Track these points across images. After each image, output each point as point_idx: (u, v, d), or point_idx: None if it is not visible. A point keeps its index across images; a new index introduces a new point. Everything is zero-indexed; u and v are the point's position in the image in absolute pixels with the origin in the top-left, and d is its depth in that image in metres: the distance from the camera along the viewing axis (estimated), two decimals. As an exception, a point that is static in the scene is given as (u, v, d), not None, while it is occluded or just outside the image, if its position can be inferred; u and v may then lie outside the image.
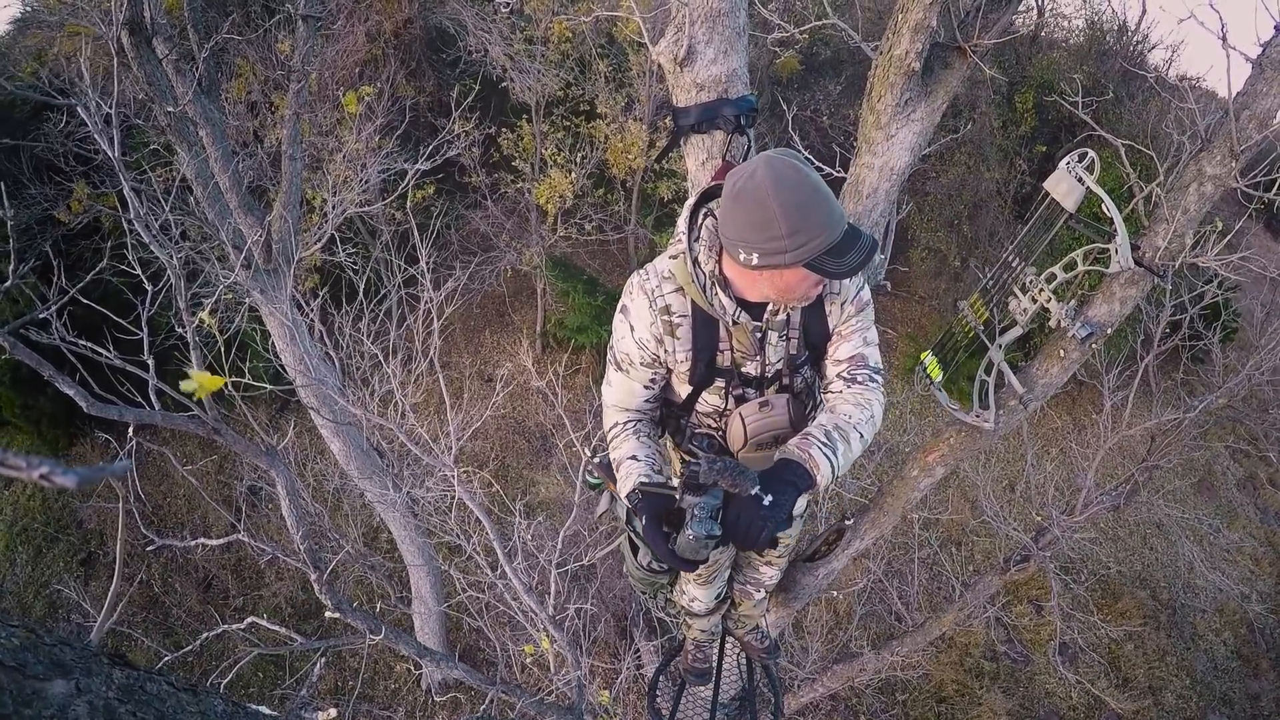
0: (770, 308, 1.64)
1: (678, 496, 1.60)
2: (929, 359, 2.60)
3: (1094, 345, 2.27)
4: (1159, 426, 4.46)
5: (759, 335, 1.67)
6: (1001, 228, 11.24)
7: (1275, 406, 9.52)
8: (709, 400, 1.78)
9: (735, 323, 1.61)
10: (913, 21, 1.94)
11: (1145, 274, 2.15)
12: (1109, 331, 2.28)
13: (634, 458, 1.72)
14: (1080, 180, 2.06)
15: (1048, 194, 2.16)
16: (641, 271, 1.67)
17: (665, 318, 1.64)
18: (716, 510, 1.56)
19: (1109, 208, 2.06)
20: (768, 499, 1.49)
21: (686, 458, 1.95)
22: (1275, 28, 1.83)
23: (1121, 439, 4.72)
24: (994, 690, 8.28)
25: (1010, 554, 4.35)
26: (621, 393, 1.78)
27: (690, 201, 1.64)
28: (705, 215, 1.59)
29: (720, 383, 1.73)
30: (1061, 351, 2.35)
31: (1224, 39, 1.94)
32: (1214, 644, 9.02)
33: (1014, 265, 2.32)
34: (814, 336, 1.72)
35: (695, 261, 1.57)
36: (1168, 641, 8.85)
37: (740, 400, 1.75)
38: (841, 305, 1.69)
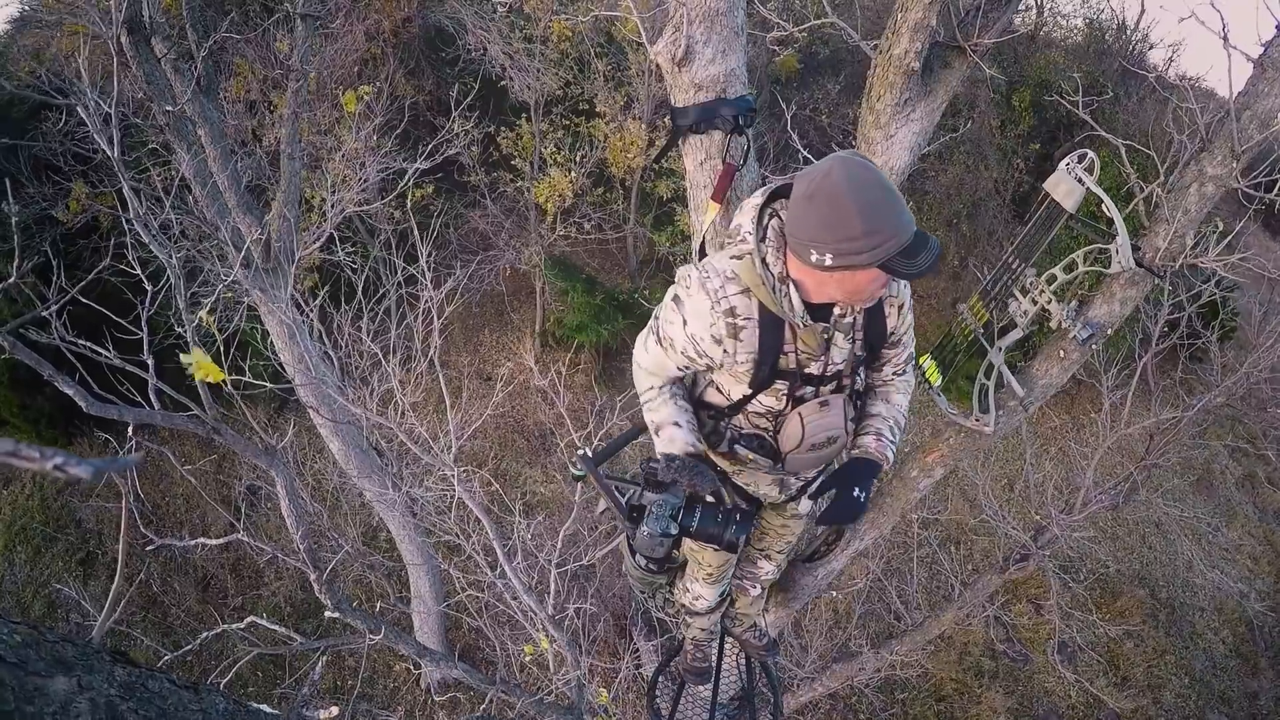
0: (839, 309, 1.66)
1: (638, 492, 1.63)
2: (928, 363, 2.60)
3: (1094, 346, 2.27)
4: (1157, 425, 4.47)
5: (826, 337, 1.69)
6: (1000, 227, 11.25)
7: (1274, 405, 9.52)
8: (763, 401, 1.77)
9: (804, 325, 1.61)
10: (912, 21, 1.94)
11: (1146, 275, 2.15)
12: (1109, 332, 2.28)
13: (676, 424, 1.77)
14: (1080, 181, 2.06)
15: (1047, 194, 2.16)
16: (700, 268, 1.65)
17: (730, 320, 1.62)
18: (677, 510, 1.59)
19: (1109, 208, 2.06)
20: (861, 494, 1.74)
21: (722, 462, 1.96)
22: (1277, 27, 1.83)
23: (1120, 438, 4.72)
24: (993, 689, 8.29)
25: (1009, 553, 4.35)
26: (656, 363, 1.80)
27: (755, 201, 1.62)
28: (770, 216, 1.58)
29: (781, 384, 1.73)
30: (1061, 352, 2.35)
31: (1225, 38, 1.94)
32: (1213, 642, 9.03)
33: (1014, 267, 2.32)
34: (872, 337, 1.75)
35: (764, 262, 1.56)
36: (1166, 640, 8.86)
37: (798, 401, 1.76)
38: (899, 309, 1.75)
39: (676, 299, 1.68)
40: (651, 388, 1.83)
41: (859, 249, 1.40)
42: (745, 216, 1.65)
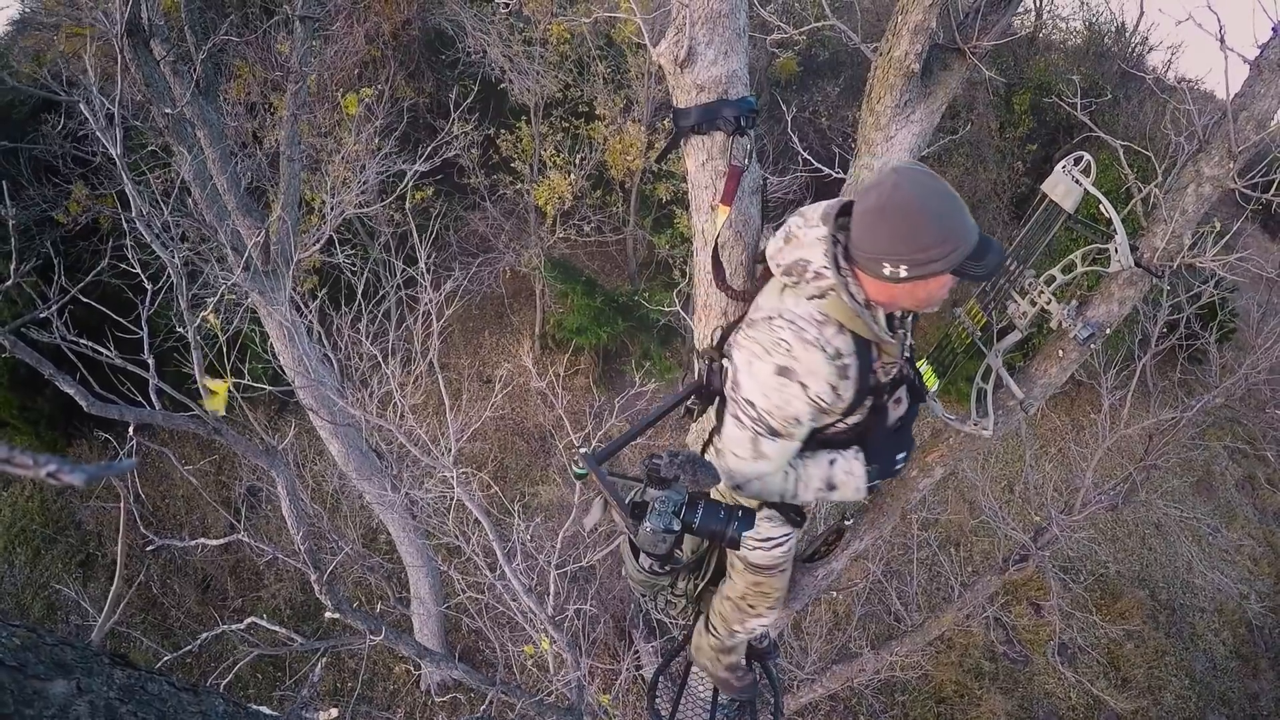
0: (900, 316, 1.69)
1: (640, 490, 1.62)
2: (924, 367, 2.60)
3: (1093, 346, 2.27)
4: (1157, 426, 4.47)
5: (905, 343, 1.73)
6: (999, 229, 11.26)
7: (1273, 406, 9.54)
8: (848, 420, 1.76)
9: (888, 339, 1.62)
10: (912, 23, 1.94)
11: (1144, 274, 2.15)
12: (1108, 332, 2.28)
13: (833, 460, 1.74)
14: (1077, 182, 2.06)
15: (1045, 196, 2.16)
16: (785, 326, 1.58)
17: (839, 363, 1.58)
18: (680, 506, 1.58)
19: (1107, 208, 2.06)
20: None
21: None
22: (1273, 29, 1.83)
23: (1119, 439, 4.73)
24: (993, 690, 8.29)
25: (1009, 554, 4.35)
26: (781, 457, 1.69)
27: (819, 233, 1.57)
28: (836, 243, 1.55)
29: (868, 401, 1.73)
30: (1060, 352, 2.35)
31: (1222, 40, 1.95)
32: (1213, 644, 9.03)
33: (1012, 269, 2.32)
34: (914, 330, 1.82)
35: (850, 293, 1.53)
36: (1167, 641, 8.86)
37: (880, 410, 1.78)
38: None
39: (784, 370, 1.57)
40: (787, 474, 1.73)
41: (933, 258, 1.41)
42: (808, 251, 1.57)
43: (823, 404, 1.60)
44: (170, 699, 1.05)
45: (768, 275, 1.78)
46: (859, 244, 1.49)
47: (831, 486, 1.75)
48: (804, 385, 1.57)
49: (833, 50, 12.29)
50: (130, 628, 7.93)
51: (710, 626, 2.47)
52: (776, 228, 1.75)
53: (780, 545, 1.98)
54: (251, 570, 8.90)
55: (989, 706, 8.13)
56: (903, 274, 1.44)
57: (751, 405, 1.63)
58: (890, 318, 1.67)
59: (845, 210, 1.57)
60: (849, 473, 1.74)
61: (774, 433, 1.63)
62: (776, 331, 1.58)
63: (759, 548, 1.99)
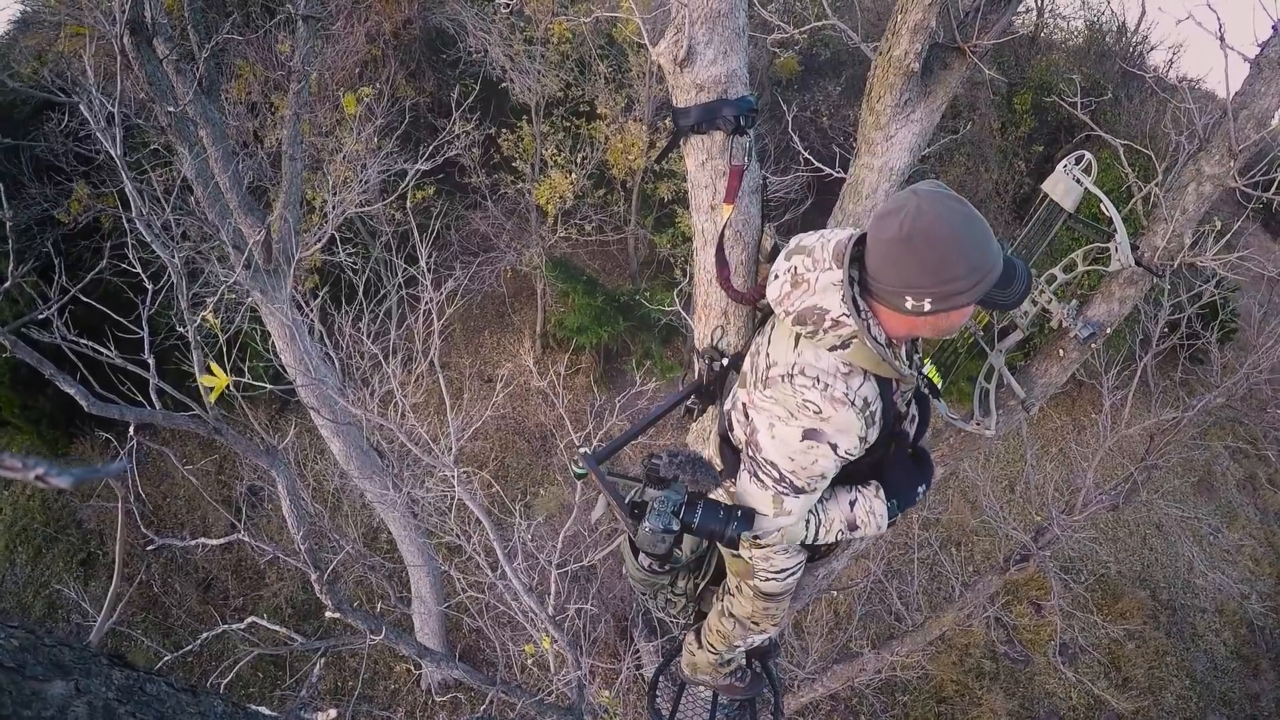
0: (914, 340, 1.65)
1: (640, 489, 1.62)
2: (928, 367, 2.60)
3: (1094, 345, 2.27)
4: (1158, 426, 4.46)
5: (920, 372, 1.69)
6: (1000, 228, 11.24)
7: (1274, 405, 9.52)
8: (870, 454, 1.71)
9: (909, 373, 1.56)
10: (912, 22, 1.94)
11: (1144, 274, 2.15)
12: (1109, 331, 2.28)
13: (853, 501, 1.71)
14: (1078, 182, 2.06)
15: (1046, 195, 2.16)
16: (810, 386, 1.47)
17: (868, 412, 1.50)
18: (679, 506, 1.58)
19: (1107, 207, 2.06)
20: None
21: None
22: (1273, 28, 1.83)
23: (1120, 439, 4.72)
24: (994, 690, 8.28)
25: (1010, 554, 4.35)
26: (805, 509, 1.63)
27: (833, 278, 1.45)
28: (853, 282, 1.44)
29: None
30: (1061, 352, 2.35)
31: (1222, 40, 1.94)
32: (1214, 644, 9.02)
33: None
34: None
35: (873, 337, 1.43)
36: (1167, 641, 8.85)
37: (899, 435, 1.74)
38: None
39: (813, 432, 1.47)
40: (808, 522, 1.70)
41: (960, 289, 1.32)
42: (822, 298, 1.45)
43: (850, 457, 1.53)
44: (169, 700, 1.05)
45: (762, 289, 1.71)
46: (879, 277, 1.38)
47: (853, 527, 1.71)
48: (833, 445, 1.48)
49: (833, 49, 12.28)
50: (131, 627, 7.94)
51: (707, 644, 2.42)
52: (774, 251, 1.66)
53: (794, 574, 1.95)
54: (252, 569, 8.91)
55: (990, 706, 8.13)
56: (927, 308, 1.34)
57: (774, 467, 1.54)
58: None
59: (858, 242, 1.47)
60: (870, 512, 1.70)
61: (798, 490, 1.56)
62: (802, 393, 1.47)
63: (773, 579, 1.93)
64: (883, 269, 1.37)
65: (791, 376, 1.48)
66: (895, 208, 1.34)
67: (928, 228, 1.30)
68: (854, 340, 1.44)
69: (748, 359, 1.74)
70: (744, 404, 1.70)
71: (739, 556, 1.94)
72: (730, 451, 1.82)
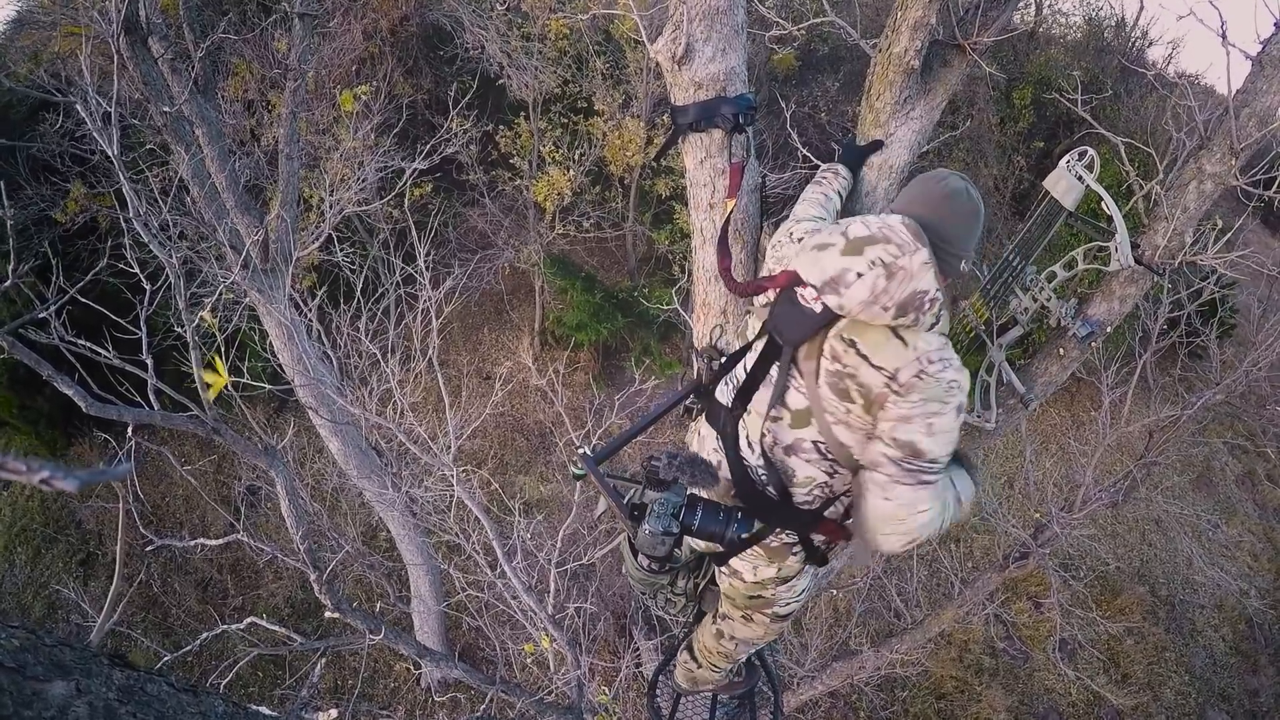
0: None
1: (639, 491, 1.62)
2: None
3: (1094, 344, 2.27)
4: (1157, 423, 4.47)
5: None
6: (1000, 224, 11.25)
7: (1273, 402, 9.54)
8: None
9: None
10: (912, 19, 1.93)
11: (1145, 272, 2.15)
12: (1109, 330, 2.28)
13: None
14: (1080, 178, 2.05)
15: (1047, 192, 2.15)
16: (945, 367, 1.50)
17: None
18: (679, 508, 1.58)
19: (1109, 205, 2.05)
20: None
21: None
22: (1275, 25, 1.82)
23: (1120, 435, 4.73)
24: (993, 687, 8.30)
25: (1009, 551, 4.36)
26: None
27: (927, 255, 1.51)
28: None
29: None
30: (1061, 350, 2.35)
31: (1224, 36, 1.94)
32: (1213, 640, 9.04)
33: (1014, 264, 2.32)
34: None
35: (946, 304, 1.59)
36: (1167, 637, 8.87)
37: None
38: None
39: (960, 407, 1.52)
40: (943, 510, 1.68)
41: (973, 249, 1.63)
42: (919, 280, 1.48)
43: None
44: (169, 700, 1.04)
45: (765, 283, 1.71)
46: (959, 246, 1.60)
47: (958, 501, 1.65)
48: (962, 407, 1.56)
49: (832, 46, 12.27)
50: (130, 627, 7.94)
51: (709, 665, 2.41)
52: (822, 249, 1.55)
53: (808, 591, 1.96)
54: (251, 569, 8.90)
55: (989, 703, 8.14)
56: (964, 268, 1.61)
57: (937, 461, 1.51)
58: None
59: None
60: (962, 490, 1.66)
61: (957, 412, 1.54)
62: (941, 378, 1.48)
63: (793, 602, 1.93)
64: (961, 238, 1.60)
65: (921, 373, 1.48)
66: (959, 186, 1.61)
67: (974, 201, 1.61)
68: (942, 312, 1.56)
69: (825, 391, 1.58)
70: (863, 431, 1.57)
71: (760, 596, 1.87)
72: (755, 493, 1.70)
